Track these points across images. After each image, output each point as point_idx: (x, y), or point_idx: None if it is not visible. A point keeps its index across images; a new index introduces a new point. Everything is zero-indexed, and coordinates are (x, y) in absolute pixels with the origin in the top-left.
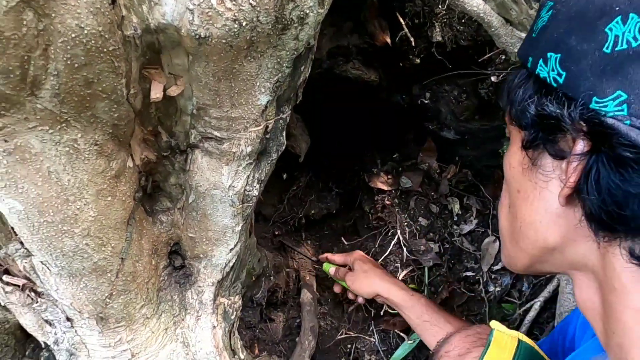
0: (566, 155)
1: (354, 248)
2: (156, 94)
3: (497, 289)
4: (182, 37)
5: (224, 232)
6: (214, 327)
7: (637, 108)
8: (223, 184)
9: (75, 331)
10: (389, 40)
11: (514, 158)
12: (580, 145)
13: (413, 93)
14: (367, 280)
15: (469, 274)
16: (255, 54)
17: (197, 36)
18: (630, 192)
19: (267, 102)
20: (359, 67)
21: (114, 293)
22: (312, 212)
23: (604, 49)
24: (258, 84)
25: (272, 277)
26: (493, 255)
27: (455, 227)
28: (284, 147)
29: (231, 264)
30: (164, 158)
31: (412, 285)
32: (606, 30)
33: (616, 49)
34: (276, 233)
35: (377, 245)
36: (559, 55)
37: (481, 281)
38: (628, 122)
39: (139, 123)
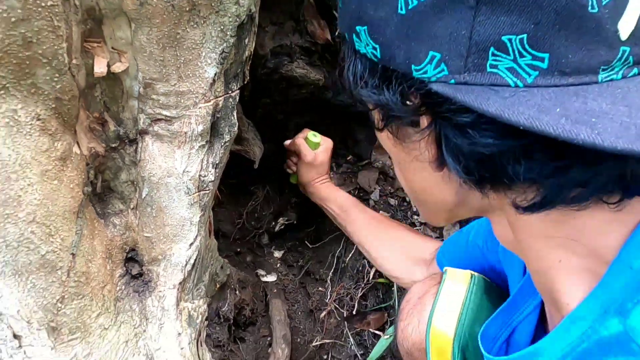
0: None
1: (320, 252)
2: (100, 68)
3: None
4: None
5: (182, 226)
6: (179, 334)
7: (455, 63)
8: (177, 169)
9: (24, 352)
10: (329, 37)
11: (383, 132)
12: (423, 120)
13: None
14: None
15: None
16: (198, 19)
17: None
18: (484, 154)
19: (215, 74)
20: (303, 66)
21: (65, 296)
22: (272, 224)
23: (399, 10)
24: (204, 54)
25: (237, 292)
26: None
27: (416, 217)
28: (236, 129)
29: (192, 261)
30: (113, 151)
31: (381, 280)
32: None
33: (409, 7)
34: (238, 250)
35: (341, 247)
36: (365, 27)
37: None
38: (452, 80)
39: (84, 107)
